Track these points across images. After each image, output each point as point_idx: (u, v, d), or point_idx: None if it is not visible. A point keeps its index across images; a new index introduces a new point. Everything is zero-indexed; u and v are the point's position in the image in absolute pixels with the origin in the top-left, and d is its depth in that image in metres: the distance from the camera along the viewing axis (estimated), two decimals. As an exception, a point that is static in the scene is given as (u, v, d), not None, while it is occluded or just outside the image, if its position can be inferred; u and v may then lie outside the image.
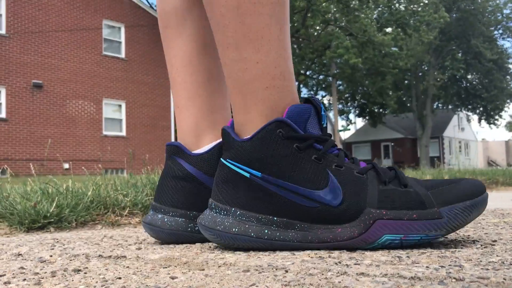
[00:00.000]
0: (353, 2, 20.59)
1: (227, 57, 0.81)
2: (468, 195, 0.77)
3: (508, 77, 30.14)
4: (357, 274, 0.58)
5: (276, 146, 0.78)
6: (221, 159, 0.83)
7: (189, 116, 0.98)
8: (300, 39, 22.20)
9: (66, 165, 12.77)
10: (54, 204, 1.39)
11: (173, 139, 15.87)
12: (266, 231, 0.77)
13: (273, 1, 0.78)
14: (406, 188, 0.78)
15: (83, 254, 0.82)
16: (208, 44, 0.99)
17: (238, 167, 0.79)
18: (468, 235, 0.93)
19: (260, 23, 0.78)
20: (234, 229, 0.78)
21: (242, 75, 0.80)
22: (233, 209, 0.79)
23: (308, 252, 0.76)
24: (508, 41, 31.46)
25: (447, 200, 0.76)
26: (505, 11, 28.85)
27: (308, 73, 26.79)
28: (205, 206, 0.87)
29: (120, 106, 14.85)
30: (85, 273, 0.65)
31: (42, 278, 0.62)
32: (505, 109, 31.14)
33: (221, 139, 0.89)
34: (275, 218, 0.78)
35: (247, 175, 0.79)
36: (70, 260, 0.76)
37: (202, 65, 0.99)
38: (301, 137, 0.78)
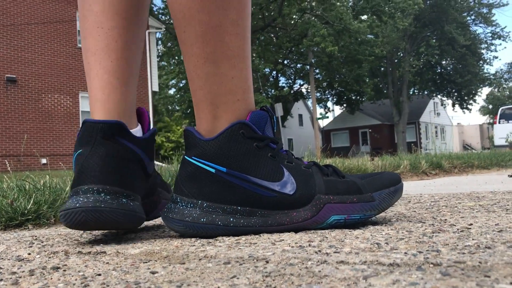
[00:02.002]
0: (329, -10, 20.59)
1: (202, 70, 0.87)
2: (390, 184, 0.94)
3: (481, 62, 30.61)
4: (337, 262, 0.59)
5: (239, 144, 0.88)
6: (185, 156, 0.91)
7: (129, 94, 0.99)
8: (277, 28, 22.16)
9: (44, 160, 12.58)
10: (32, 201, 1.37)
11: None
12: (231, 219, 0.87)
13: (247, 24, 0.88)
14: (344, 178, 0.93)
15: (62, 251, 0.81)
16: None
17: (203, 163, 0.88)
18: (445, 219, 0.95)
19: (237, 43, 0.87)
20: (202, 219, 0.86)
21: (217, 88, 0.87)
22: (199, 201, 0.88)
23: (289, 241, 0.76)
24: (480, 26, 31.90)
25: (376, 187, 0.92)
26: (477, -3, 29.22)
27: (285, 62, 26.77)
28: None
29: (96, 99, 14.60)
30: (64, 270, 0.64)
31: (20, 277, 0.61)
32: (478, 93, 31.61)
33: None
34: (239, 208, 0.88)
35: (213, 170, 0.88)
36: (49, 258, 0.75)
37: None
38: (260, 137, 0.90)
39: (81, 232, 1.11)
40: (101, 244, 0.87)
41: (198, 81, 0.88)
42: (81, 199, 0.85)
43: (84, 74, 0.98)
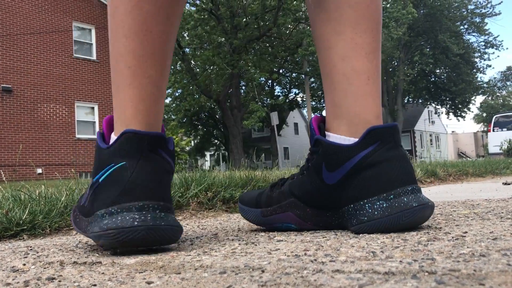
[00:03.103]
0: None
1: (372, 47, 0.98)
2: None
3: (474, 70, 30.83)
4: (332, 271, 0.59)
5: None
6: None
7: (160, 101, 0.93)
8: (272, 38, 22.24)
9: (39, 170, 12.54)
10: (27, 211, 1.36)
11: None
12: None
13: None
14: None
15: (57, 261, 0.81)
16: None
17: None
18: (440, 227, 0.95)
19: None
20: None
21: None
22: None
23: (284, 250, 0.77)
24: (474, 35, 32.23)
25: None
26: (469, 7, 29.51)
27: (281, 71, 26.84)
28: None
29: (92, 108, 14.63)
30: (59, 281, 0.64)
31: (15, 288, 0.61)
32: (472, 101, 31.86)
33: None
34: None
35: None
36: (44, 268, 0.75)
37: None
38: None
39: (77, 242, 1.11)
40: (97, 254, 0.86)
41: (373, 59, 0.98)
42: (137, 216, 0.80)
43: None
